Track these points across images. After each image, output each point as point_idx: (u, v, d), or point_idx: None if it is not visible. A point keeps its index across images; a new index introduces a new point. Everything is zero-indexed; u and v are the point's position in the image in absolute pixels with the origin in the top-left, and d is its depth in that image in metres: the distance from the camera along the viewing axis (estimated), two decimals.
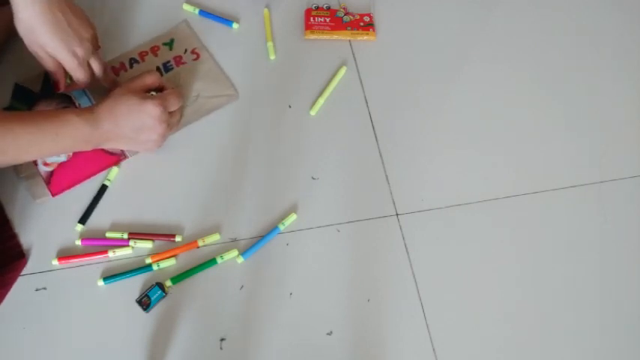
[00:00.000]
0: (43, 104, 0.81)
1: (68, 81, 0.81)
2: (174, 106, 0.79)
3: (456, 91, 0.93)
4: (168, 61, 0.90)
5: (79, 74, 0.77)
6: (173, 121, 0.80)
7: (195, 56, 0.90)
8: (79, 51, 0.75)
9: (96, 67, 0.80)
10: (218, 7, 0.97)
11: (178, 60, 0.90)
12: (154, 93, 0.79)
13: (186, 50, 0.91)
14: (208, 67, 0.90)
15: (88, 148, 0.75)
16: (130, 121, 0.74)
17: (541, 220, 0.83)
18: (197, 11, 0.96)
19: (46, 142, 0.70)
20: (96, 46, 0.79)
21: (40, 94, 0.83)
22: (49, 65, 0.76)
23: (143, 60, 0.90)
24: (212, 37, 0.93)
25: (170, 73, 0.89)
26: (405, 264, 0.78)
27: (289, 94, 0.90)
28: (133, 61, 0.90)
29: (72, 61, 0.75)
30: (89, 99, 0.83)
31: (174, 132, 0.83)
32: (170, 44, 0.91)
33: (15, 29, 0.72)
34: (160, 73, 0.86)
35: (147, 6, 0.95)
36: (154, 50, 0.91)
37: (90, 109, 0.74)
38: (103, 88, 0.83)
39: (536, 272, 0.79)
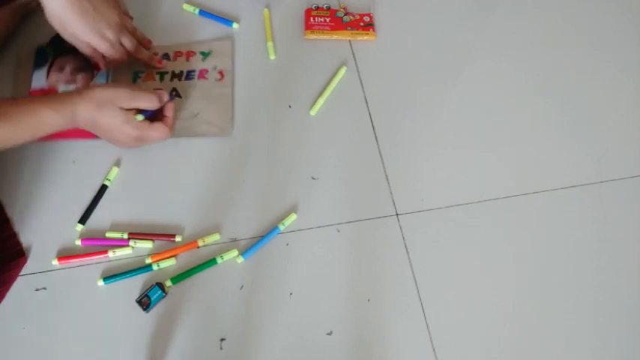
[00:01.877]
0: (59, 62, 0.86)
1: (106, 59, 0.83)
2: (152, 141, 0.80)
3: (455, 91, 0.93)
4: (193, 71, 0.89)
5: (113, 55, 0.80)
6: (151, 140, 0.80)
7: (219, 76, 0.89)
8: (109, 33, 0.77)
9: (128, 44, 0.82)
10: (218, 7, 0.97)
11: (202, 73, 0.89)
12: (140, 117, 0.77)
13: (215, 67, 0.89)
14: (223, 93, 0.88)
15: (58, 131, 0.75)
16: (104, 132, 0.77)
17: (541, 220, 0.83)
18: (197, 11, 0.96)
19: (23, 137, 0.70)
20: (126, 20, 0.82)
21: (52, 57, 0.87)
22: (86, 50, 0.79)
23: (174, 59, 0.90)
24: (212, 37, 0.93)
25: (187, 82, 0.88)
26: (405, 264, 0.78)
27: (289, 94, 0.90)
28: (165, 56, 0.90)
29: (104, 45, 0.78)
30: (107, 80, 0.87)
31: (211, 127, 0.84)
32: (206, 55, 0.90)
33: (16, 26, 0.73)
34: (171, 92, 0.86)
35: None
36: (189, 55, 0.90)
37: (71, 104, 0.72)
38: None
39: (536, 272, 0.79)
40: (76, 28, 0.75)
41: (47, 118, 0.71)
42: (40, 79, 0.86)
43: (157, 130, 0.78)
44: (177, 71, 0.89)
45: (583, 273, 0.80)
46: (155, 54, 0.89)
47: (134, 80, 0.88)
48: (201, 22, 0.95)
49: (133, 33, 0.84)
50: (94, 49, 0.79)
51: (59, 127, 0.72)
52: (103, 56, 0.82)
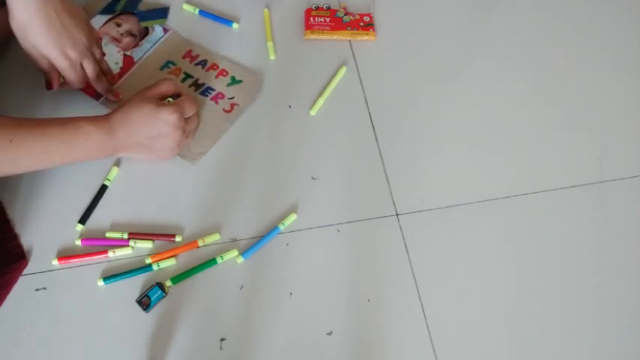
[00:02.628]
0: (121, 18, 0.93)
1: (62, 80, 0.81)
2: (189, 112, 0.78)
3: (456, 91, 0.93)
4: (213, 90, 0.88)
5: (70, 75, 0.78)
6: (190, 127, 0.80)
7: (229, 108, 0.87)
8: (72, 53, 0.75)
9: (89, 70, 0.79)
10: (218, 7, 0.97)
11: (218, 96, 0.87)
12: (170, 99, 0.78)
13: (232, 97, 0.88)
14: (220, 126, 0.85)
15: (102, 156, 0.75)
16: (145, 129, 0.75)
17: (541, 220, 0.83)
18: (197, 11, 0.96)
19: (59, 152, 0.70)
20: (94, 47, 0.79)
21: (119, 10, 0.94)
22: (42, 64, 0.77)
23: (207, 70, 0.90)
24: (212, 37, 0.93)
25: (200, 96, 0.87)
26: (405, 264, 0.78)
27: (289, 94, 0.90)
28: (203, 62, 0.90)
29: (63, 62, 0.75)
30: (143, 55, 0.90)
31: (191, 140, 0.82)
32: (234, 82, 0.89)
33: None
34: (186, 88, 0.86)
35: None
36: (221, 73, 0.90)
37: (105, 118, 0.74)
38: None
39: (536, 272, 0.79)
40: (39, 40, 0.72)
41: (84, 129, 0.71)
42: (96, 23, 0.91)
43: (186, 99, 0.78)
44: (200, 81, 0.89)
45: (583, 273, 0.80)
46: (114, 90, 0.86)
47: (162, 67, 0.90)
48: (202, 22, 0.95)
49: (98, 62, 0.81)
50: (51, 65, 0.77)
51: (96, 142, 0.72)
52: (61, 77, 0.80)
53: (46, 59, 0.76)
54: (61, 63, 0.75)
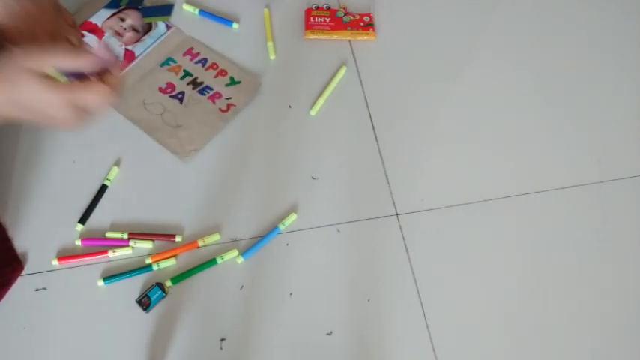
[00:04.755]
0: (126, 13, 0.93)
1: None
2: (91, 107, 0.58)
3: (455, 91, 0.93)
4: (211, 89, 0.88)
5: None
6: (87, 104, 0.58)
7: (225, 107, 0.87)
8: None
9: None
10: (218, 7, 0.97)
11: (215, 96, 0.87)
12: (60, 76, 0.59)
13: (229, 97, 0.87)
14: (214, 125, 0.85)
15: None
16: (31, 112, 0.57)
17: (541, 220, 0.83)
18: (197, 11, 0.96)
19: None
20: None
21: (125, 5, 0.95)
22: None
23: (207, 69, 0.90)
24: (212, 37, 0.93)
25: (197, 94, 0.87)
26: (405, 264, 0.78)
27: (289, 94, 0.90)
28: (203, 60, 0.90)
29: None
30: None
31: (179, 145, 0.79)
32: (233, 83, 0.89)
33: None
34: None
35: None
36: (221, 73, 0.90)
37: None
38: None
39: (536, 272, 0.79)
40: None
41: None
42: (100, 17, 0.93)
43: (91, 90, 0.57)
44: (199, 80, 0.89)
45: (583, 273, 0.80)
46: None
47: (163, 64, 0.90)
48: (202, 22, 0.95)
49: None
50: None
51: None
52: None
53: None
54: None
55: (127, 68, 0.89)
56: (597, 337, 0.76)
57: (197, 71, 0.90)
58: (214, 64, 0.90)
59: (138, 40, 0.92)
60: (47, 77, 0.56)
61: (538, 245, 0.81)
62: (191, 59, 0.91)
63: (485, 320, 0.76)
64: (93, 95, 0.57)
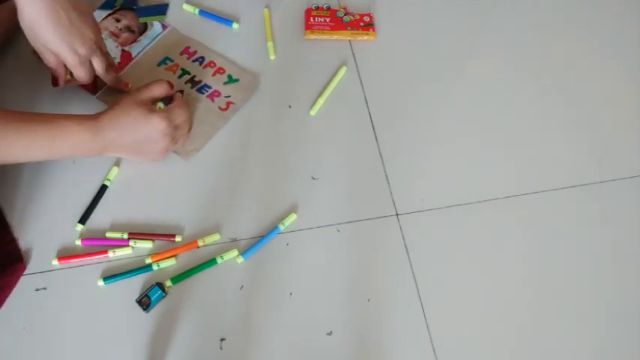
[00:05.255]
0: (121, 14, 0.94)
1: (69, 77, 0.81)
2: (179, 117, 0.78)
3: (456, 91, 0.93)
4: (210, 87, 0.88)
5: (79, 72, 0.78)
6: (180, 133, 0.80)
7: (224, 106, 0.87)
8: (81, 49, 0.75)
9: (97, 65, 0.80)
10: (218, 7, 0.97)
11: (214, 94, 0.87)
12: (161, 105, 0.79)
13: (228, 96, 0.88)
14: (214, 123, 0.85)
15: (89, 155, 0.76)
16: (132, 133, 0.75)
17: (541, 220, 0.83)
18: (197, 11, 0.96)
19: (42, 149, 0.71)
20: (100, 47, 0.79)
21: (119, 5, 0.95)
22: (51, 61, 0.76)
23: (204, 67, 0.90)
24: (212, 37, 0.93)
25: (196, 93, 0.87)
26: (405, 264, 0.78)
27: (289, 94, 0.90)
28: (200, 59, 0.90)
29: (73, 59, 0.75)
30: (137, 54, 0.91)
31: (182, 143, 0.82)
32: (231, 81, 0.89)
33: (17, 24, 0.73)
34: (175, 88, 0.85)
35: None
36: (219, 71, 0.90)
37: (93, 117, 0.74)
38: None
39: (536, 272, 0.79)
40: (48, 36, 0.72)
41: (68, 128, 0.71)
42: (96, 18, 0.89)
43: (177, 106, 0.79)
44: (197, 78, 0.89)
45: (583, 273, 0.80)
46: (121, 79, 0.86)
47: (160, 63, 0.90)
48: (202, 22, 0.95)
49: (104, 55, 0.81)
50: (60, 62, 0.77)
51: (80, 141, 0.72)
52: (67, 71, 0.79)
53: (54, 56, 0.76)
54: (71, 60, 0.75)
55: (125, 69, 0.89)
56: (597, 336, 0.76)
57: (195, 70, 0.90)
58: (211, 62, 0.90)
59: (134, 41, 0.92)
60: (148, 104, 0.77)
61: (538, 245, 0.81)
62: (188, 58, 0.91)
63: (485, 320, 0.76)
64: (181, 110, 0.79)
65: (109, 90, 0.86)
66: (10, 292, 0.73)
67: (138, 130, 0.75)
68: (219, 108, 0.87)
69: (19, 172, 0.80)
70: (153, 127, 0.75)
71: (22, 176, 0.80)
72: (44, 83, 0.82)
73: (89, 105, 0.85)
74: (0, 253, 0.74)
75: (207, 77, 0.89)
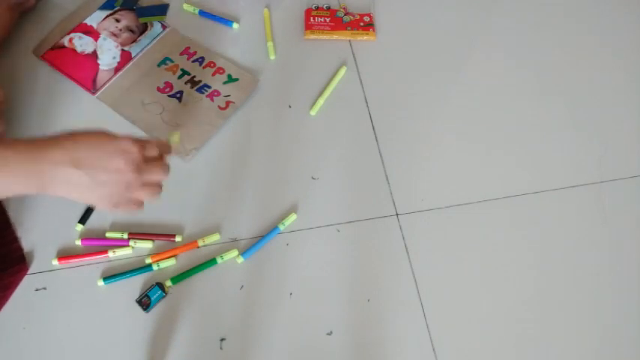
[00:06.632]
0: (121, 14, 0.94)
1: None
2: (154, 150, 0.60)
3: (456, 91, 0.93)
4: (209, 87, 0.88)
5: None
6: (147, 176, 0.59)
7: (224, 105, 0.87)
8: None
9: None
10: (218, 7, 0.97)
11: (213, 94, 0.88)
12: (176, 138, 0.74)
13: (227, 95, 0.88)
14: (214, 123, 0.85)
15: (25, 189, 0.56)
16: (91, 151, 0.55)
17: (541, 220, 0.83)
18: (197, 11, 0.96)
19: None
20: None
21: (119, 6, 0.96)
22: None
23: (204, 67, 0.90)
24: (212, 37, 0.93)
25: (196, 93, 0.87)
26: (405, 264, 0.78)
27: (289, 94, 0.90)
28: (200, 59, 0.90)
29: None
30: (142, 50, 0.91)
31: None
32: (231, 80, 0.89)
33: (11, 27, 0.71)
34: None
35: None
36: (218, 71, 0.90)
37: (35, 138, 0.55)
38: None
39: (536, 272, 0.79)
40: None
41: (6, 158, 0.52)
42: (96, 18, 0.94)
43: (154, 142, 0.60)
44: (197, 78, 0.89)
45: (583, 273, 0.80)
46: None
47: (160, 64, 0.90)
48: (202, 22, 0.95)
49: None
50: None
51: (16, 165, 0.53)
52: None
53: None
54: None
55: (124, 69, 0.89)
56: (597, 336, 0.76)
57: (195, 70, 0.90)
58: (211, 62, 0.90)
59: (134, 41, 0.92)
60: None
61: (538, 245, 0.81)
62: (188, 58, 0.91)
63: (485, 320, 0.76)
64: (154, 146, 0.60)
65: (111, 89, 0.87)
66: (12, 292, 0.73)
67: (99, 147, 0.55)
68: (219, 107, 0.87)
69: None
70: (120, 150, 0.56)
71: None
72: (40, 84, 0.82)
73: (89, 105, 0.86)
74: (3, 252, 0.74)
75: (207, 77, 0.89)
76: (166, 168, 0.61)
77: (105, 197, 0.57)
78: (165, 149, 0.62)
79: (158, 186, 0.61)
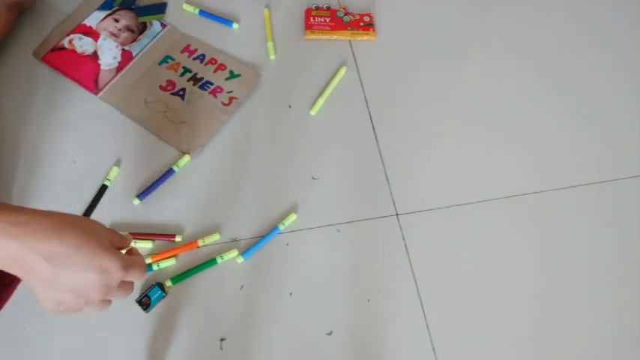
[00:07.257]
0: (120, 14, 0.94)
1: None
2: (135, 277, 0.54)
3: (456, 91, 0.93)
4: (212, 84, 0.88)
5: None
6: (116, 295, 0.55)
7: (227, 101, 0.87)
8: None
9: None
10: (218, 7, 0.97)
11: (216, 90, 0.88)
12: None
13: (230, 91, 0.88)
14: (218, 119, 0.86)
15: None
16: (73, 256, 0.49)
17: (541, 220, 0.83)
18: (197, 11, 0.96)
19: None
20: None
21: (117, 5, 0.96)
22: None
23: (205, 64, 0.90)
24: (212, 37, 0.93)
25: (198, 90, 0.87)
26: (405, 264, 0.78)
27: (289, 94, 0.90)
28: (201, 56, 0.91)
29: None
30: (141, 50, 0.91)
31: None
32: (233, 76, 0.89)
33: (10, 27, 0.70)
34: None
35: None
36: (220, 67, 0.90)
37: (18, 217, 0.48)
38: None
39: (536, 272, 0.79)
40: None
41: None
42: (95, 19, 0.93)
43: (139, 265, 0.55)
44: (199, 75, 0.89)
45: (583, 273, 0.80)
46: None
47: (161, 62, 0.90)
48: (202, 22, 0.95)
49: None
50: None
51: None
52: None
53: None
54: None
55: (126, 68, 0.89)
56: (597, 337, 0.76)
57: (196, 67, 0.90)
58: (213, 59, 0.91)
59: (134, 40, 0.92)
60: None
61: (538, 245, 0.81)
62: (189, 56, 0.91)
63: (485, 320, 0.76)
64: (139, 268, 0.54)
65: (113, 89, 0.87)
66: (12, 292, 0.73)
67: (82, 252, 0.50)
68: (222, 103, 0.87)
69: (19, 172, 0.80)
70: (103, 261, 0.51)
71: (21, 176, 0.80)
72: (42, 84, 0.82)
73: (92, 106, 0.86)
74: None
75: (209, 74, 0.89)
76: (130, 291, 0.56)
77: (52, 301, 0.51)
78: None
79: (109, 302, 0.56)
